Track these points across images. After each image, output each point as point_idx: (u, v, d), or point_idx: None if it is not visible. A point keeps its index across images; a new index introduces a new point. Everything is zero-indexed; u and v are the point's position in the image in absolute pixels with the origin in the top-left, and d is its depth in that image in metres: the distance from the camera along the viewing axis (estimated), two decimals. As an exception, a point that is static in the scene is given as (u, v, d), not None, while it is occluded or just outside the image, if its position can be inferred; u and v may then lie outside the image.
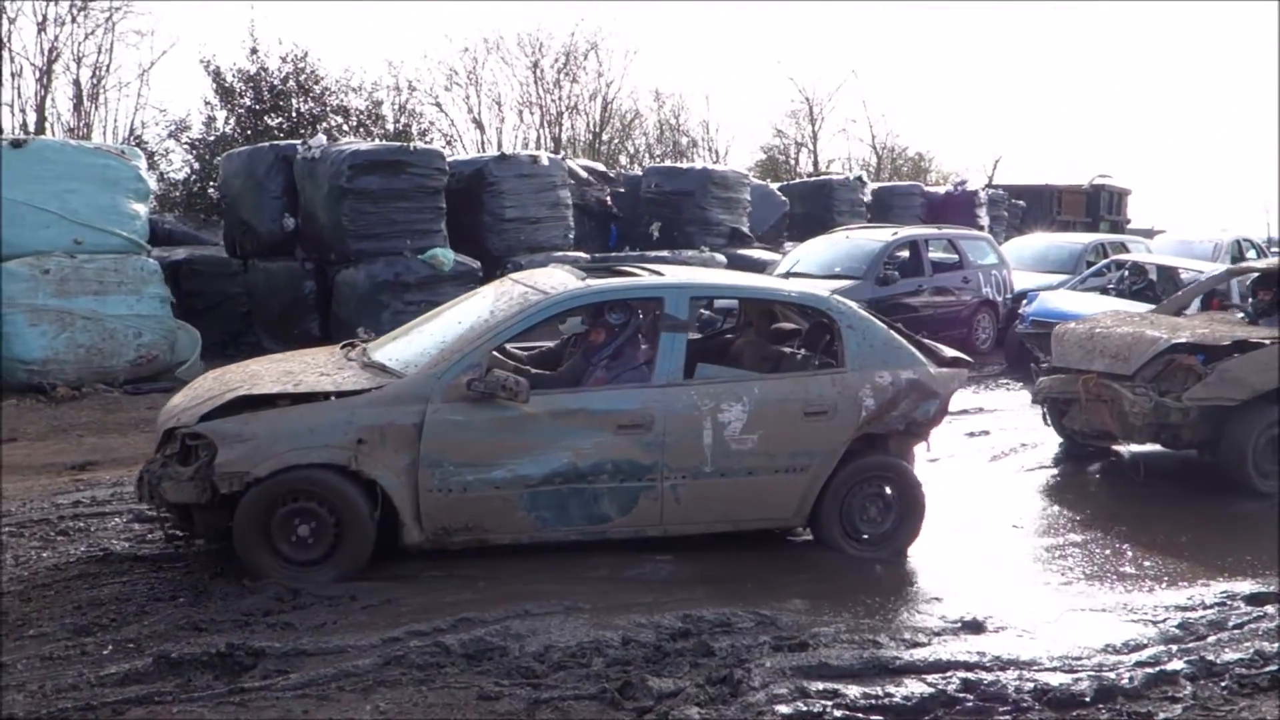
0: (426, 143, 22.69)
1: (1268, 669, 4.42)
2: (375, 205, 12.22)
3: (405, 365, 5.58)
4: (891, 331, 6.15)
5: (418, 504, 5.27)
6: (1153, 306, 9.92)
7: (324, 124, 22.03)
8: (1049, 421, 8.45)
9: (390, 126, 24.97)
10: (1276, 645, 4.65)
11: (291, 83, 22.42)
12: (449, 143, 28.54)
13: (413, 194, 12.46)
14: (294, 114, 22.30)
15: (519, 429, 5.38)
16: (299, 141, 13.82)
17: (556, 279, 6.08)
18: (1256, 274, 9.38)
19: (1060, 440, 8.67)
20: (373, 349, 6.05)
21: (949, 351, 6.37)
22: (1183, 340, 7.51)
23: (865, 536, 5.96)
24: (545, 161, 14.46)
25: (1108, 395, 7.48)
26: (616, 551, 5.67)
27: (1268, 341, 7.52)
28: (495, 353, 5.92)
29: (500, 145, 30.03)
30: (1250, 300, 9.17)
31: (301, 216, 12.95)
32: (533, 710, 3.93)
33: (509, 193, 13.74)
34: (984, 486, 7.74)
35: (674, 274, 6.31)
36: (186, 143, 22.94)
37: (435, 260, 12.19)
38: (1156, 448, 8.01)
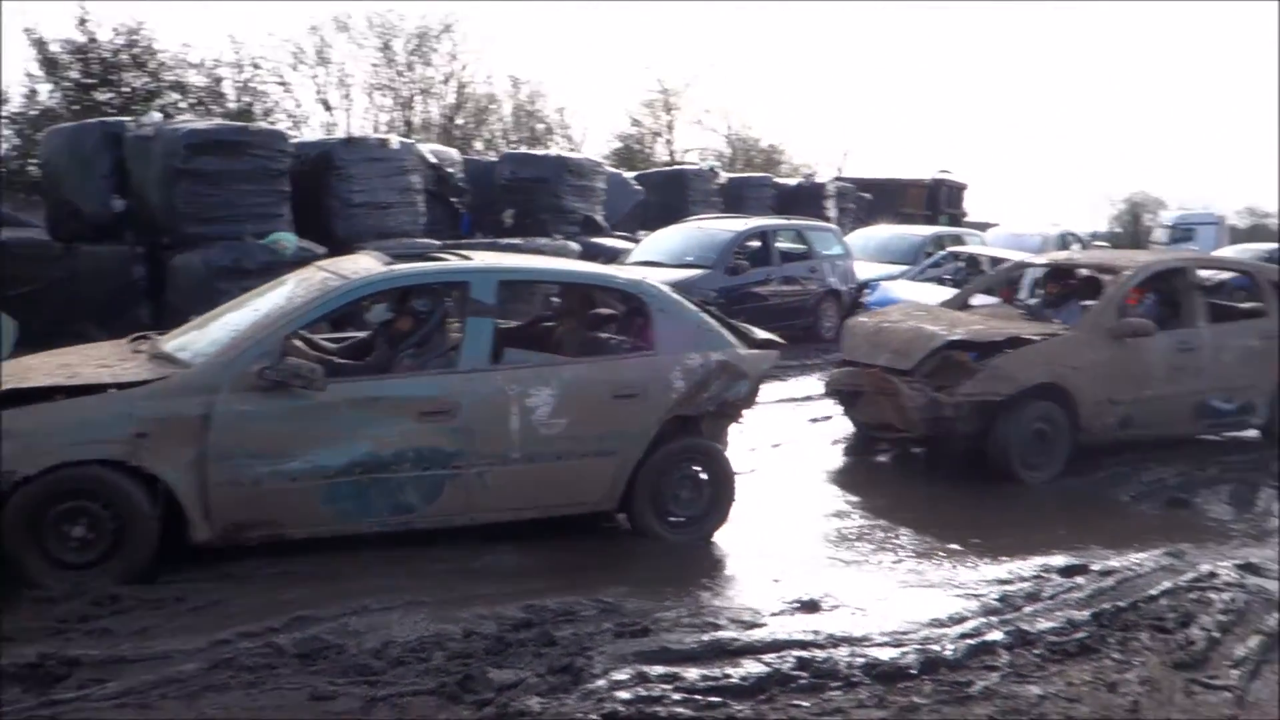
0: (270, 123, 22.01)
1: (1077, 636, 4.66)
2: (213, 187, 11.70)
3: (195, 356, 5.37)
4: (703, 314, 6.20)
5: (206, 500, 5.05)
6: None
7: (159, 100, 21.06)
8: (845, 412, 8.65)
9: (231, 105, 24.08)
10: (1086, 613, 4.91)
11: (124, 56, 21.37)
12: (295, 124, 27.76)
13: (254, 176, 11.98)
14: (127, 89, 21.26)
15: (316, 418, 5.23)
16: (130, 119, 13.19)
17: (360, 265, 5.96)
18: (1046, 267, 9.70)
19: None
20: (164, 340, 5.82)
21: (760, 333, 6.48)
22: (957, 338, 7.74)
23: (678, 519, 5.98)
24: (395, 145, 14.16)
25: (890, 389, 7.69)
26: (460, 543, 5.62)
27: (1037, 338, 7.80)
28: (301, 344, 5.79)
29: (349, 128, 29.31)
30: (1040, 293, 9.39)
31: (131, 198, 12.34)
32: (369, 708, 3.86)
33: (357, 177, 13.38)
34: (823, 471, 7.97)
35: (483, 259, 6.22)
36: (5, 117, 21.66)
37: (277, 245, 11.77)
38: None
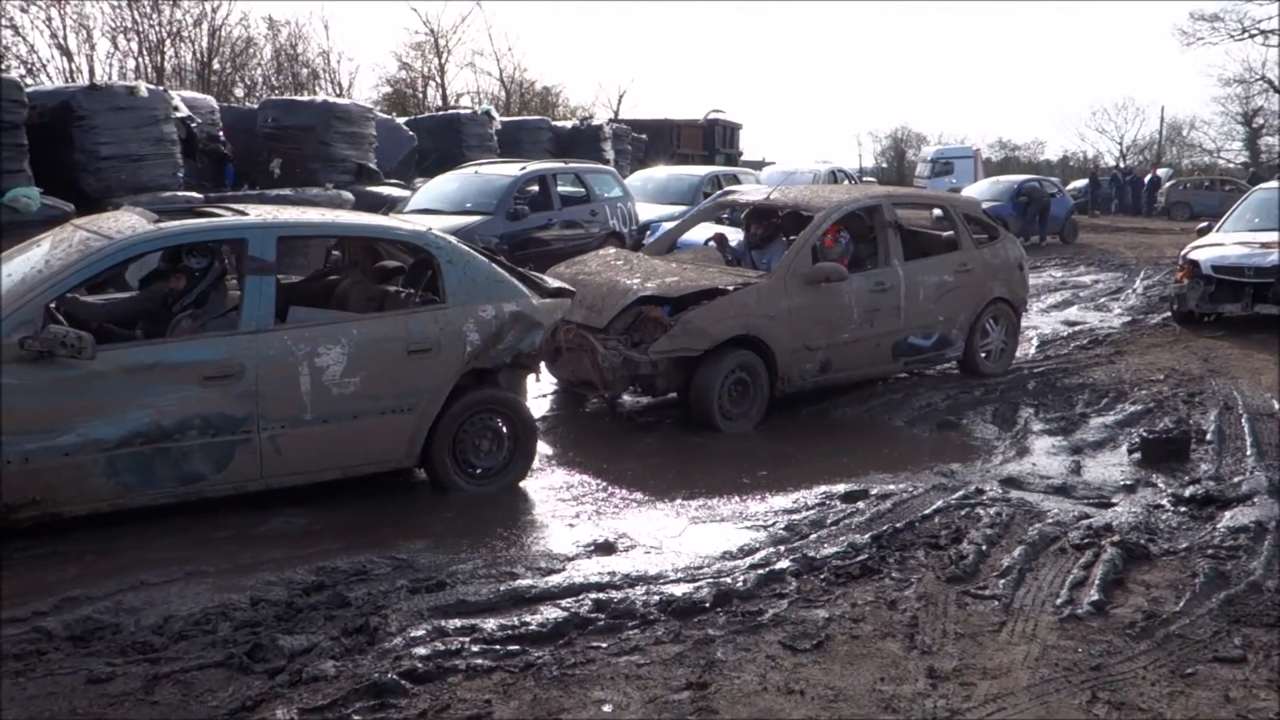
0: (1, 70, 20.19)
1: (859, 559, 4.93)
2: (-61, 142, 10.76)
3: None
4: (493, 265, 6.14)
5: None
6: None
7: None
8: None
9: (-45, 51, 21.95)
10: (866, 536, 5.20)
11: None
12: (30, 71, 25.55)
13: (-14, 129, 11.05)
14: None
15: (88, 389, 4.90)
16: None
17: (124, 222, 5.58)
18: (748, 207, 9.28)
19: None
20: None
21: (553, 282, 6.48)
22: (648, 293, 7.47)
23: (479, 471, 5.97)
24: (144, 93, 13.25)
25: (587, 346, 7.41)
26: (243, 509, 5.41)
27: (731, 288, 7.61)
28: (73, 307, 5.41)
29: (92, 75, 27.22)
30: (744, 233, 9.26)
31: None
32: (151, 687, 3.67)
33: (103, 127, 12.52)
34: (605, 416, 8.05)
35: (259, 213, 5.89)
36: None
37: (17, 203, 10.87)
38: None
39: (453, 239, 6.23)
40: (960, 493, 5.87)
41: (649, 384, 7.49)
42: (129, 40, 29.25)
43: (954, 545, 5.11)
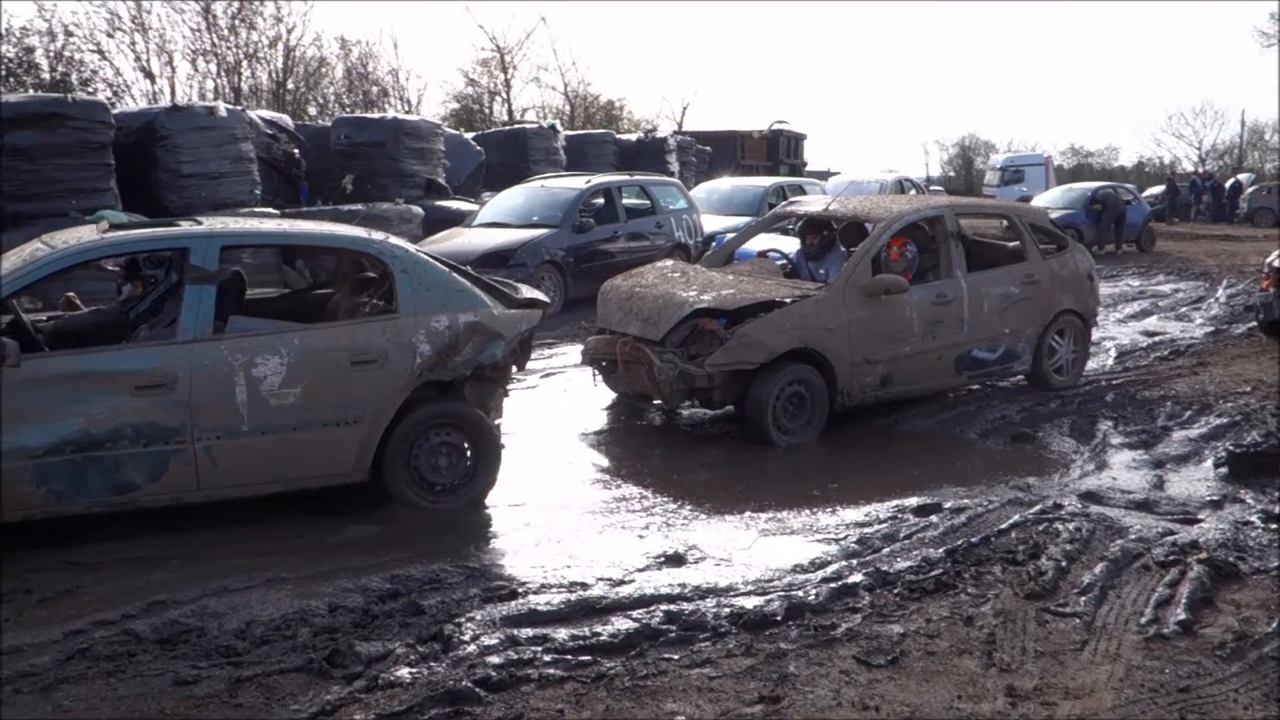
0: (89, 93, 20.84)
1: (933, 573, 4.86)
2: (32, 163, 11.20)
3: None
4: (454, 274, 5.97)
5: None
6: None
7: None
8: (598, 380, 8.14)
9: (46, 76, 22.69)
10: (940, 551, 5.13)
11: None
12: (115, 94, 26.32)
13: (75, 150, 11.47)
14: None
15: (16, 396, 4.94)
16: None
17: (77, 234, 5.68)
18: (803, 218, 9.15)
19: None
20: None
21: (527, 292, 6.34)
22: (704, 305, 7.36)
23: (438, 487, 5.83)
24: (223, 112, 13.66)
25: (643, 359, 7.34)
26: (319, 518, 5.53)
27: (789, 300, 7.52)
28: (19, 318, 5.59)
29: (173, 96, 27.97)
30: (800, 245, 9.02)
31: (-58, 176, 11.60)
32: (235, 689, 3.76)
33: (185, 146, 12.93)
34: (670, 428, 8.04)
35: (211, 224, 5.88)
36: None
37: (105, 222, 11.24)
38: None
39: (409, 247, 6.09)
40: (1037, 507, 5.76)
41: (706, 397, 7.43)
42: (208, 62, 30.04)
43: (1032, 561, 5.02)
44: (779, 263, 8.91)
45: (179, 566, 4.91)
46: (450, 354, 5.74)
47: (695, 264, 9.32)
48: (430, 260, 5.96)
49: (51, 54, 24.00)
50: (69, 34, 25.08)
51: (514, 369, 6.19)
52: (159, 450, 5.19)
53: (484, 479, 5.94)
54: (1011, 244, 9.36)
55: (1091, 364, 9.37)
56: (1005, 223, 10.21)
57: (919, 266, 8.44)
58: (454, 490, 5.86)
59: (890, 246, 8.21)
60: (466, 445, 5.89)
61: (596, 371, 8.09)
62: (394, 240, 6.10)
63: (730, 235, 13.36)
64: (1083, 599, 4.60)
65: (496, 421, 6.12)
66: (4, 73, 21.20)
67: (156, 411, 5.17)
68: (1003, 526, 5.47)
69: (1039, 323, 8.73)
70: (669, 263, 9.27)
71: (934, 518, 5.67)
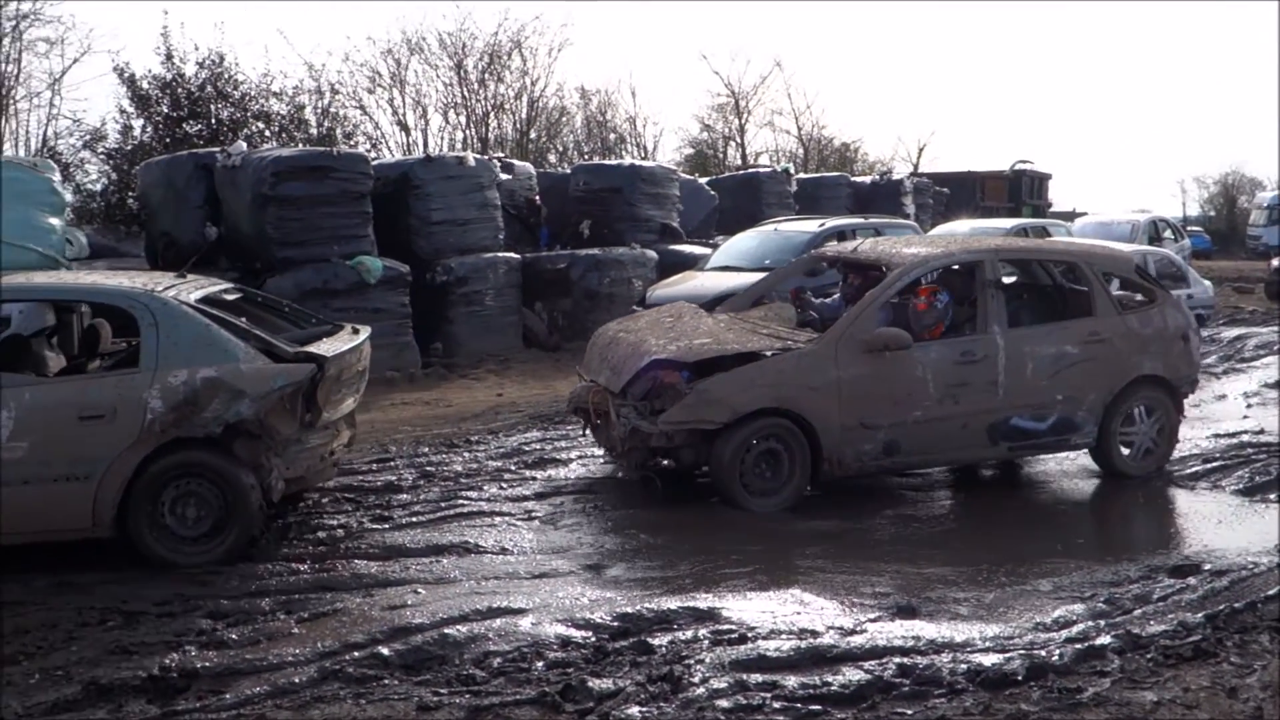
0: (351, 146, 22.43)
1: (1190, 639, 4.53)
2: (300, 212, 12.09)
3: None
4: (216, 327, 5.72)
5: None
6: None
7: (244, 130, 21.61)
8: (586, 432, 7.70)
9: (313, 131, 24.61)
10: (1199, 615, 4.77)
11: (209, 88, 21.98)
12: (374, 146, 28.24)
13: (338, 199, 12.33)
14: (213, 120, 21.87)
15: None
16: (219, 149, 13.60)
17: None
18: (839, 260, 8.34)
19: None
20: None
21: (326, 345, 6.07)
22: (662, 356, 6.74)
23: (188, 540, 5.62)
24: (472, 162, 14.38)
25: (607, 411, 6.86)
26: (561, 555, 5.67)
27: (768, 354, 6.84)
28: None
29: (426, 147, 29.76)
30: (840, 285, 8.34)
31: (224, 226, 12.75)
32: (473, 717, 3.92)
33: (436, 195, 13.66)
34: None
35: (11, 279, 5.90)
36: (102, 153, 22.45)
37: (363, 266, 12.09)
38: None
39: (169, 299, 5.78)
40: (1312, 573, 5.28)
41: (676, 455, 6.77)
42: (458, 115, 31.81)
43: (1305, 631, 4.60)
44: (818, 302, 8.13)
45: (426, 590, 5.20)
46: (191, 410, 5.54)
47: (717, 309, 8.52)
48: (190, 314, 5.73)
49: (319, 110, 25.99)
50: (335, 91, 27.15)
51: (294, 425, 5.79)
52: None
53: (234, 532, 5.67)
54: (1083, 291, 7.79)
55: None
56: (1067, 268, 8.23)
57: (954, 319, 7.43)
58: (202, 542, 5.64)
59: (919, 296, 7.28)
60: (220, 498, 5.65)
61: (583, 422, 7.64)
62: (153, 291, 5.82)
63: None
64: (1366, 677, 4.18)
65: (287, 477, 5.89)
66: (278, 129, 23.08)
67: None
68: (1270, 593, 5.04)
69: (1106, 389, 7.37)
70: (681, 305, 8.47)
71: (1192, 579, 5.30)
